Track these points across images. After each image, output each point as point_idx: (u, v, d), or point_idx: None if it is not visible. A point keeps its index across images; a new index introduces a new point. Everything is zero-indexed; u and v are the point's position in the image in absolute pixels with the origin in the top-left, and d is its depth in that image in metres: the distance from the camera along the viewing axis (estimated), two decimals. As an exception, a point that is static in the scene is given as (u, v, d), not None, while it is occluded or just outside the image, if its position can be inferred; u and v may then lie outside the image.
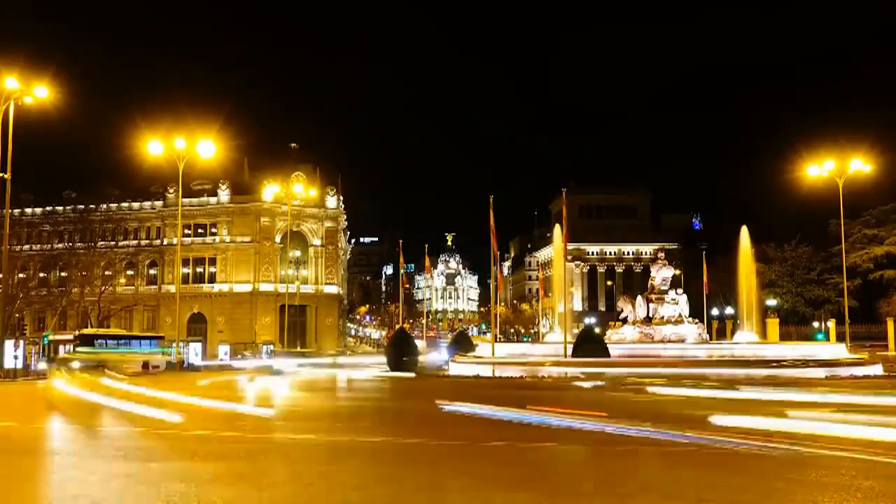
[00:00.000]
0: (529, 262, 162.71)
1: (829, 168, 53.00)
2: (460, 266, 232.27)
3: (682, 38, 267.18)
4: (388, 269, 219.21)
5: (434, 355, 60.18)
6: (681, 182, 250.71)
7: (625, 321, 47.13)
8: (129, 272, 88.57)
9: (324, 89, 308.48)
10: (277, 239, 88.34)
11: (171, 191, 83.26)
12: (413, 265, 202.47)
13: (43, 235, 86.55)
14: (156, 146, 51.87)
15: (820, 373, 34.94)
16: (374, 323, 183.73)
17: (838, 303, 68.89)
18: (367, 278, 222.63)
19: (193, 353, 67.70)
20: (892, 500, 8.82)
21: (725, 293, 76.92)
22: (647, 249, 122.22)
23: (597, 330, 55.93)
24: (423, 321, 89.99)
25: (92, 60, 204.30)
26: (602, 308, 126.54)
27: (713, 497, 8.94)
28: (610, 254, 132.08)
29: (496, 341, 48.46)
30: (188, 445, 13.48)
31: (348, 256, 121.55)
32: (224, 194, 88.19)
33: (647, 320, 45.30)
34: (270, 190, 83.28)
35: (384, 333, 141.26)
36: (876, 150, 55.72)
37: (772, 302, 77.06)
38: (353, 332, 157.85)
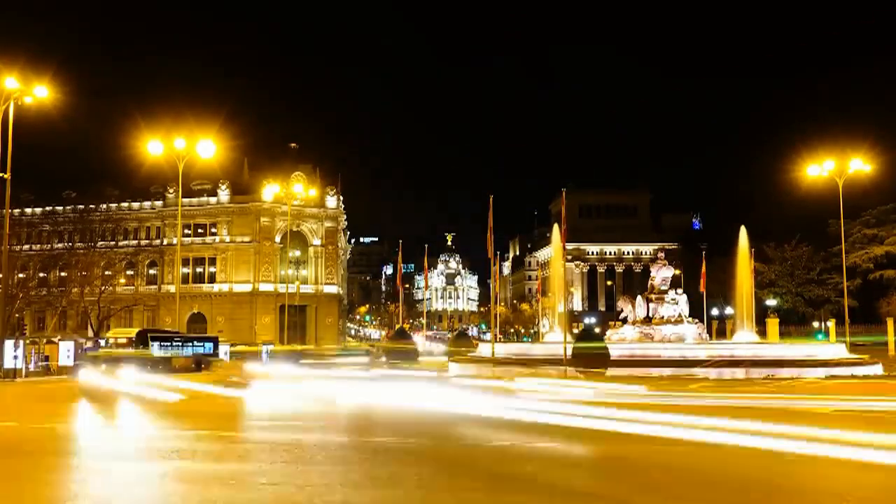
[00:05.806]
0: (529, 262, 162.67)
1: (829, 168, 52.98)
2: (460, 266, 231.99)
3: (682, 38, 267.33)
4: (388, 269, 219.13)
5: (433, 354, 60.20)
6: (681, 182, 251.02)
7: (625, 321, 47.13)
8: (129, 272, 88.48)
9: (323, 89, 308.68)
10: (277, 239, 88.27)
11: (171, 191, 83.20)
12: (413, 265, 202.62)
13: (43, 235, 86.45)
14: (156, 146, 51.83)
15: (819, 373, 34.97)
16: (375, 323, 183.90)
17: (838, 303, 68.86)
18: (367, 278, 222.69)
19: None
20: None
21: (725, 293, 76.73)
22: (647, 249, 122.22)
23: (597, 330, 55.96)
24: (423, 321, 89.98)
25: (92, 60, 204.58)
26: (602, 308, 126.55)
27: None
28: (610, 254, 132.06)
29: (496, 341, 48.44)
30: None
31: (348, 256, 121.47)
32: (224, 194, 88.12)
33: (647, 320, 45.27)
34: (270, 190, 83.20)
35: (384, 333, 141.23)
36: (876, 150, 55.76)
37: (772, 302, 77.09)
38: (352, 332, 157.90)
